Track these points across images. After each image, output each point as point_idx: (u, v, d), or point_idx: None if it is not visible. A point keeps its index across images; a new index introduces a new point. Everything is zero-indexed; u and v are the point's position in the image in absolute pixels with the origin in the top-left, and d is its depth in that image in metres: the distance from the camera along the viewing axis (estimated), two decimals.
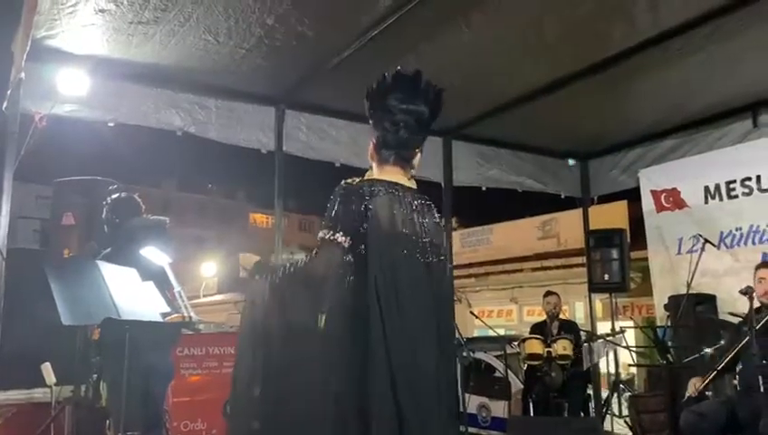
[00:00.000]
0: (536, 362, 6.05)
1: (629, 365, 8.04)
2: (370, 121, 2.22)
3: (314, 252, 2.07)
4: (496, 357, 7.48)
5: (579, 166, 7.36)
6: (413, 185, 2.25)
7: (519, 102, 5.62)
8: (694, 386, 4.20)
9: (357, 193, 2.08)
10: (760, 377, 3.83)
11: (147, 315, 3.37)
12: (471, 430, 6.20)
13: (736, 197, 5.89)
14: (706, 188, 6.09)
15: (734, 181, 5.88)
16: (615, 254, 6.56)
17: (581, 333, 6.49)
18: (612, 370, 6.37)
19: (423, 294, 2.06)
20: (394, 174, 2.20)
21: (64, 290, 3.14)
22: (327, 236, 2.04)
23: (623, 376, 7.95)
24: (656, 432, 5.23)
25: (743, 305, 4.30)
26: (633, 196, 7.62)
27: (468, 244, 16.44)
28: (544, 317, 6.78)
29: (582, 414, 6.16)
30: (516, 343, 6.23)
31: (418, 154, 2.28)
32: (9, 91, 4.34)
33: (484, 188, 6.90)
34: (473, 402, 7.08)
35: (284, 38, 4.44)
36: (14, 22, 4.02)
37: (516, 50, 4.79)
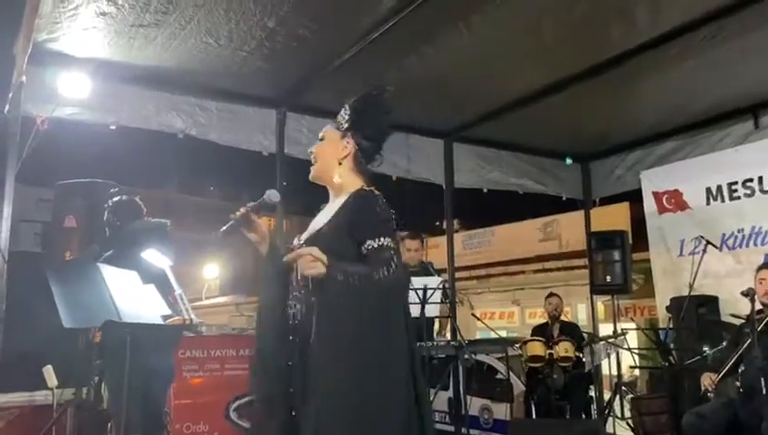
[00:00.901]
0: (538, 365, 6.04)
1: (632, 367, 8.02)
2: (346, 127, 2.29)
3: (392, 258, 2.07)
4: (498, 359, 7.47)
5: (579, 167, 7.36)
6: None
7: (520, 104, 5.62)
8: (709, 379, 4.17)
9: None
10: (762, 379, 3.82)
11: (148, 318, 3.37)
12: (473, 432, 6.18)
13: (738, 198, 5.88)
14: (708, 190, 6.09)
15: (736, 183, 5.87)
16: (617, 255, 6.54)
17: (583, 334, 6.48)
18: (614, 372, 6.35)
19: None
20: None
21: (66, 293, 3.14)
22: (393, 244, 2.12)
23: (625, 378, 7.92)
24: (658, 434, 5.21)
25: (745, 307, 4.30)
26: (635, 197, 7.62)
27: (470, 246, 16.42)
28: (546, 319, 6.77)
29: (584, 416, 6.15)
30: (518, 346, 6.21)
31: None
32: (11, 94, 4.35)
33: (485, 190, 6.90)
34: (475, 404, 7.07)
35: (285, 41, 4.44)
36: (15, 25, 4.03)
37: (517, 52, 4.79)
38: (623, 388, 6.22)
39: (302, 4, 4.03)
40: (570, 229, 13.28)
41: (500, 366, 7.51)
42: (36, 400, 4.51)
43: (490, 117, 5.97)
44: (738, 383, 4.27)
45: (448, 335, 5.75)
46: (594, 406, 6.48)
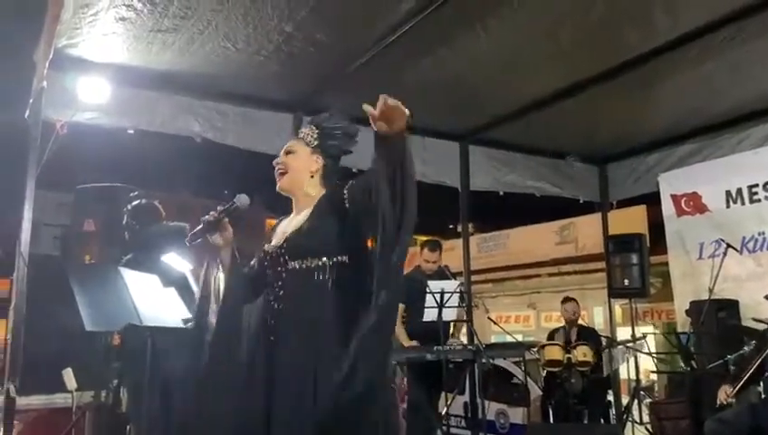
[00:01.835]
0: (556, 369, 6.01)
1: (651, 372, 7.95)
2: (315, 144, 2.41)
3: None
4: (515, 363, 7.43)
5: (597, 169, 7.31)
6: None
7: (537, 107, 5.59)
8: (725, 393, 4.12)
9: None
10: None
11: (168, 321, 3.38)
12: None
13: (759, 201, 5.80)
14: (728, 192, 6.01)
15: (757, 185, 5.79)
16: (635, 259, 6.49)
17: (601, 338, 6.44)
18: (632, 376, 6.30)
19: None
20: None
21: (88, 296, 3.16)
22: None
23: (643, 383, 7.86)
24: None
25: (766, 311, 4.25)
26: (652, 200, 7.55)
27: (485, 249, 16.35)
28: (562, 323, 6.74)
29: (603, 421, 6.11)
30: (536, 350, 6.18)
31: None
32: (31, 100, 4.39)
33: (501, 193, 6.87)
34: (491, 409, 7.04)
35: (302, 45, 4.45)
36: (36, 31, 4.07)
37: (535, 54, 4.76)
38: (641, 392, 6.17)
39: (319, 9, 4.03)
40: (586, 232, 13.18)
41: (516, 370, 7.48)
42: (55, 402, 4.54)
43: (506, 120, 5.94)
44: (760, 388, 4.22)
45: (462, 339, 5.73)
46: (613, 411, 6.43)
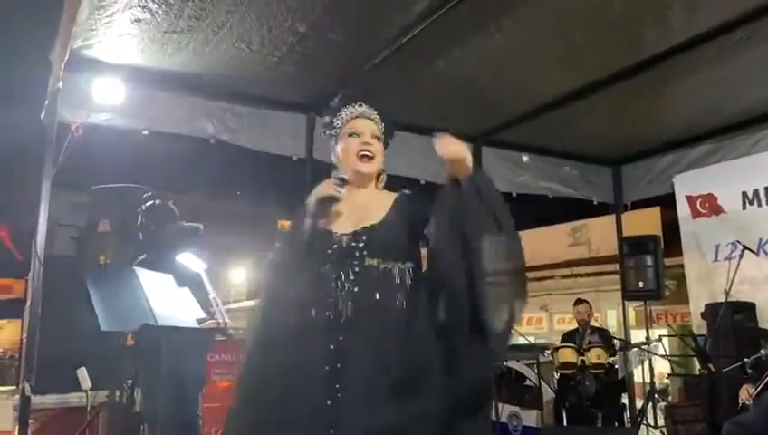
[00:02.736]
0: (569, 371, 5.98)
1: (668, 375, 7.88)
2: (382, 138, 2.36)
3: None
4: (527, 365, 7.40)
5: (611, 171, 7.25)
6: None
7: (550, 108, 5.55)
8: (747, 392, 4.08)
9: None
10: None
11: (183, 321, 3.39)
12: None
13: None
14: (744, 194, 5.96)
15: None
16: (649, 261, 6.43)
17: (615, 341, 6.39)
18: (647, 379, 6.25)
19: None
20: None
21: (103, 296, 3.18)
22: None
23: (657, 385, 7.81)
24: None
25: None
26: (666, 201, 7.49)
27: None
28: (575, 325, 6.70)
29: (617, 424, 6.07)
30: (549, 352, 6.15)
31: None
32: (47, 101, 4.42)
33: (514, 195, 6.83)
34: (504, 411, 7.02)
35: (316, 45, 4.45)
36: (52, 33, 4.09)
37: (549, 55, 4.74)
38: (656, 395, 6.12)
39: (333, 9, 4.03)
40: (599, 234, 13.10)
41: (529, 372, 7.44)
42: (70, 402, 4.58)
43: (520, 121, 5.91)
44: None
45: None
46: (627, 414, 6.39)
